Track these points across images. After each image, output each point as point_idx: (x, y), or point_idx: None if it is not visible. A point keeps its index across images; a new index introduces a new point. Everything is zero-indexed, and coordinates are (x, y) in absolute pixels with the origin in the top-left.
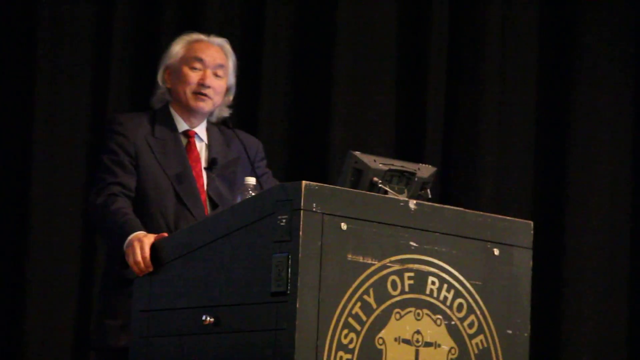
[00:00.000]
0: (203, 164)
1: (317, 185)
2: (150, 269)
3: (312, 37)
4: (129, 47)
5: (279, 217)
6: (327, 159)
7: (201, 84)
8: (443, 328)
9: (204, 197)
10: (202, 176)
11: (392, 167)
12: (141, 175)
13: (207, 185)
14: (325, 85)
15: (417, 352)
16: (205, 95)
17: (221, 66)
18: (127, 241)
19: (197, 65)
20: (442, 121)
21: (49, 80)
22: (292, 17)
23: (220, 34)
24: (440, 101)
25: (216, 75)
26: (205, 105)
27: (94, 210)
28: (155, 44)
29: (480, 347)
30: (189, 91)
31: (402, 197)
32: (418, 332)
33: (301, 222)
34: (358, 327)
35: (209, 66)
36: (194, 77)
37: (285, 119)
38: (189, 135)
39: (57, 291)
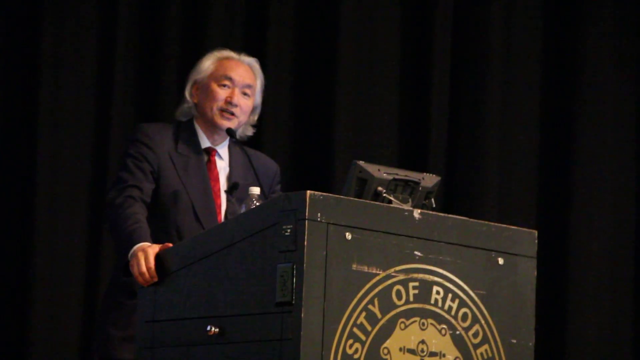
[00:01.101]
0: (222, 184)
1: (321, 195)
2: (155, 279)
3: (315, 43)
4: (133, 46)
5: (284, 226)
6: (330, 167)
7: (229, 102)
8: (448, 338)
9: (219, 217)
10: (219, 196)
11: (397, 177)
12: (162, 189)
13: (227, 208)
14: (328, 94)
15: None
16: (232, 113)
17: (249, 86)
18: (131, 251)
19: (226, 83)
20: (446, 130)
21: (53, 81)
22: (295, 24)
23: (222, 36)
24: (444, 110)
25: (244, 94)
26: (231, 124)
27: (110, 208)
28: (159, 43)
29: (485, 356)
30: (215, 108)
31: (407, 207)
32: (423, 342)
33: (306, 232)
34: (363, 337)
35: (238, 85)
36: (221, 94)
37: (288, 127)
38: (210, 153)
39: (63, 298)
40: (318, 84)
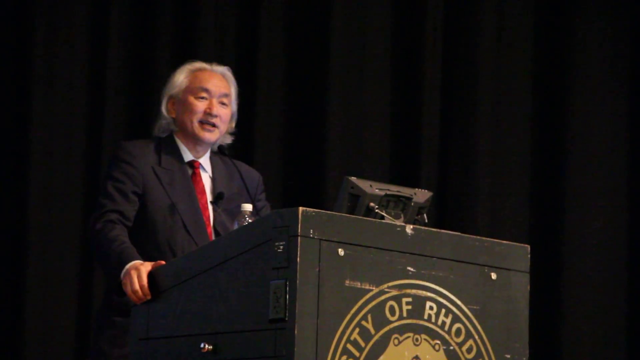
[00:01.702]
0: (208, 196)
1: (314, 211)
2: (149, 297)
3: (306, 56)
4: (125, 52)
5: (277, 243)
6: (323, 184)
7: (208, 114)
8: (442, 353)
9: (209, 229)
10: (207, 208)
11: (389, 192)
12: (148, 205)
13: (214, 219)
14: (320, 109)
15: None
16: (212, 125)
17: (226, 95)
18: (124, 270)
19: (203, 94)
20: (438, 145)
21: (45, 90)
22: (285, 43)
23: (212, 51)
24: (435, 124)
25: (222, 104)
26: (212, 136)
27: (92, 236)
28: (151, 50)
29: None
30: (195, 121)
31: (399, 222)
32: (417, 357)
33: (298, 249)
34: (357, 354)
35: (215, 95)
36: (200, 106)
37: (280, 143)
38: (194, 165)
39: (56, 308)
40: (309, 97)
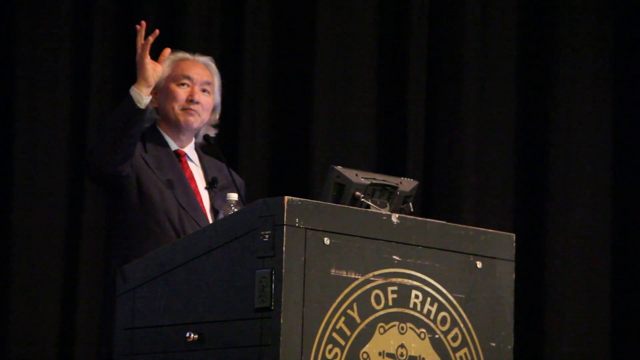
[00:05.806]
0: (198, 183)
1: (299, 201)
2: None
3: (291, 51)
4: (109, 54)
5: (262, 232)
6: (308, 174)
7: (190, 100)
8: (427, 342)
9: (204, 210)
10: (198, 193)
11: (374, 181)
12: (143, 185)
13: (211, 203)
14: (306, 100)
15: None
16: (194, 110)
17: (208, 83)
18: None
19: (186, 82)
20: (423, 135)
21: (29, 85)
22: (271, 35)
23: (198, 46)
24: (421, 114)
25: (204, 91)
26: (195, 121)
27: (93, 148)
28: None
29: None
30: (177, 107)
31: (385, 211)
32: (402, 346)
33: (284, 238)
34: (342, 342)
35: (197, 83)
36: (182, 93)
37: (266, 136)
38: (179, 154)
39: (40, 303)
40: (295, 88)
